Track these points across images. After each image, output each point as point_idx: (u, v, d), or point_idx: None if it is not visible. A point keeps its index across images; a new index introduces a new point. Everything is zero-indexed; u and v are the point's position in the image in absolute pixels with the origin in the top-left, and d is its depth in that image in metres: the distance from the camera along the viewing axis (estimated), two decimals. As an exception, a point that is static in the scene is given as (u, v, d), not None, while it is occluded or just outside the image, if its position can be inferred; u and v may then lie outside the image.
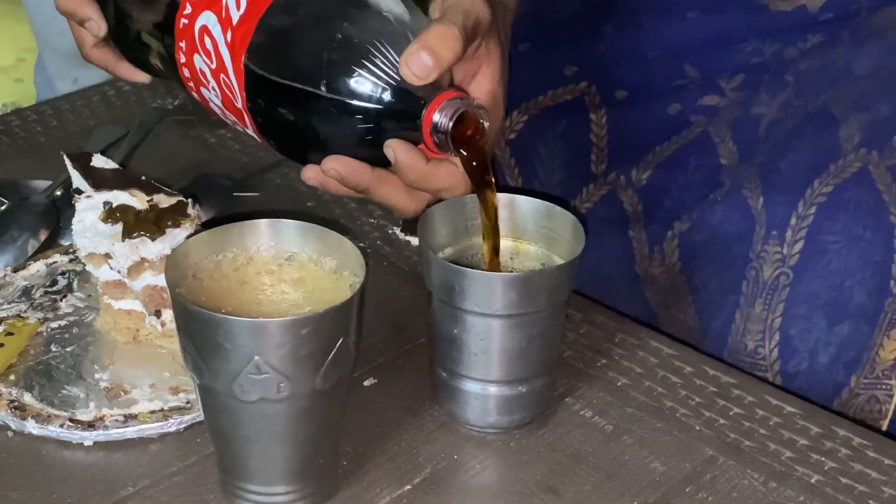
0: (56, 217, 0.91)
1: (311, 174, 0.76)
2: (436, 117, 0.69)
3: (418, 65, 0.69)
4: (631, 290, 0.97)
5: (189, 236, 0.75)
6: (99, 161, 0.81)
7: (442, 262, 0.68)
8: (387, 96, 0.70)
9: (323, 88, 0.70)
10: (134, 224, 0.76)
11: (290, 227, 0.67)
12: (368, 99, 0.71)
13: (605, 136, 0.98)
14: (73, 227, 0.79)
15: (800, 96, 0.93)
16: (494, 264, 0.74)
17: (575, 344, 0.81)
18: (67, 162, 0.82)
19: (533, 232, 0.74)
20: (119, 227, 0.76)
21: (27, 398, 0.73)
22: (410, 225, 0.89)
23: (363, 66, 0.69)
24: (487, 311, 0.68)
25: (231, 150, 1.05)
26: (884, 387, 0.86)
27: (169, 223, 0.76)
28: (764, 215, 0.87)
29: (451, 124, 0.69)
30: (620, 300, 0.95)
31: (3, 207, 0.92)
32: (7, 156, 1.05)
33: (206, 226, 0.81)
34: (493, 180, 0.74)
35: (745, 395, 0.77)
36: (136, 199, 0.77)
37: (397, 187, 0.75)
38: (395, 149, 0.72)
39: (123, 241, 0.75)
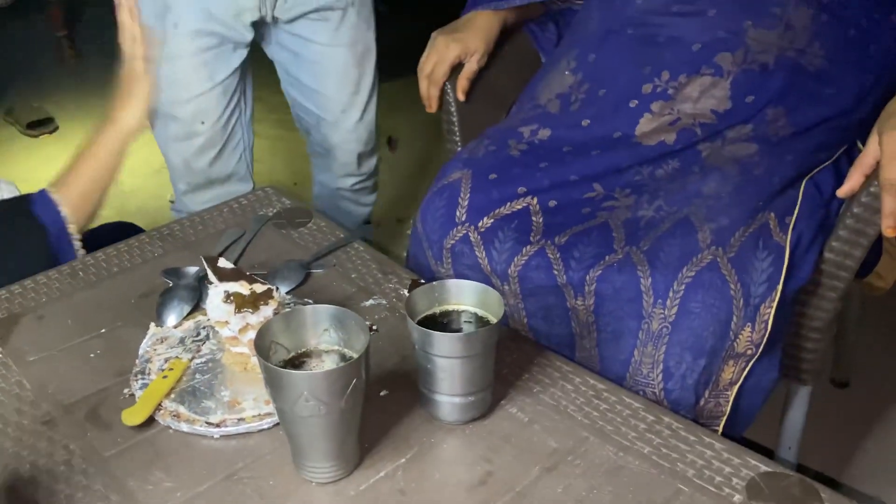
0: (200, 293, 1.06)
1: None
2: None
3: None
4: (563, 321, 1.08)
5: (275, 312, 0.92)
6: (222, 262, 0.98)
7: (418, 327, 0.86)
8: None
9: None
10: (241, 303, 0.93)
11: (327, 311, 0.84)
12: None
13: (541, 227, 1.13)
14: (206, 303, 0.95)
15: (668, 205, 1.07)
16: None
17: (511, 364, 0.95)
18: (203, 263, 0.99)
19: (472, 301, 0.90)
20: (232, 306, 0.93)
21: (181, 409, 0.90)
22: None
23: None
24: (447, 356, 0.85)
25: (307, 241, 1.19)
26: (723, 397, 1.02)
27: (262, 303, 0.93)
28: (651, 289, 1.00)
29: None
30: (556, 327, 1.06)
31: (171, 286, 1.07)
32: (172, 251, 1.18)
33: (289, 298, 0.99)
34: None
35: (610, 395, 0.92)
36: (242, 287, 0.94)
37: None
38: None
39: (235, 314, 0.92)
